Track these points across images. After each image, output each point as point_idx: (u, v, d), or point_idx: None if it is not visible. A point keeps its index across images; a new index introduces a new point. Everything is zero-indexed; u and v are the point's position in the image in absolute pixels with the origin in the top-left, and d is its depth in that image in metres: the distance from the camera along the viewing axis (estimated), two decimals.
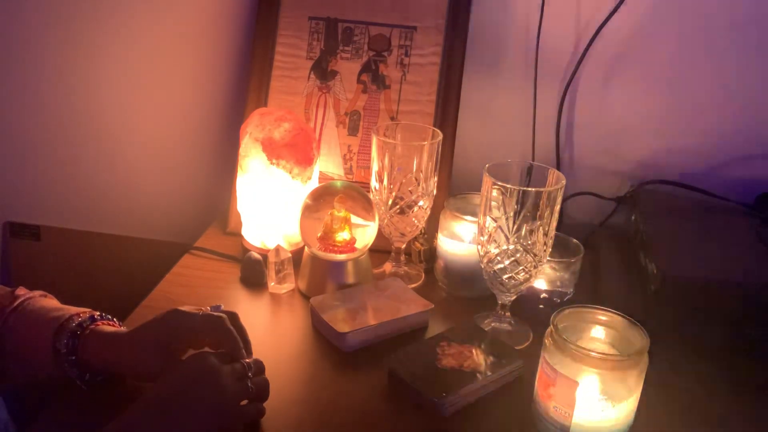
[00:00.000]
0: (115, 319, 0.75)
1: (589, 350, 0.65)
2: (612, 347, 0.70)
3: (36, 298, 0.74)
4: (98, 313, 0.73)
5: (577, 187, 1.09)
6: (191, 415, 0.64)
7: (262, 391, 0.71)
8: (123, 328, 0.74)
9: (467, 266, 0.91)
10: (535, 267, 0.79)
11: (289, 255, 0.93)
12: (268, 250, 0.94)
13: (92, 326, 0.71)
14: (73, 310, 0.73)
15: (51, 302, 0.75)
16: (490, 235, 0.78)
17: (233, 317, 0.73)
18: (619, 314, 0.71)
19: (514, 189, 0.74)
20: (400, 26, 1.06)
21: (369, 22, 1.07)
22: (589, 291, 0.92)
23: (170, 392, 0.65)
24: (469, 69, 1.07)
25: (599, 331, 0.71)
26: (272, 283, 0.93)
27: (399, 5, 1.06)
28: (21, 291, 0.74)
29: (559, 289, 0.88)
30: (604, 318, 0.71)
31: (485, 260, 0.81)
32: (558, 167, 1.11)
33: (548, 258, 0.81)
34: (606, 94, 1.08)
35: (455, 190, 1.03)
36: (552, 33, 1.05)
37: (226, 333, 0.70)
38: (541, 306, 0.88)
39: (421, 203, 0.92)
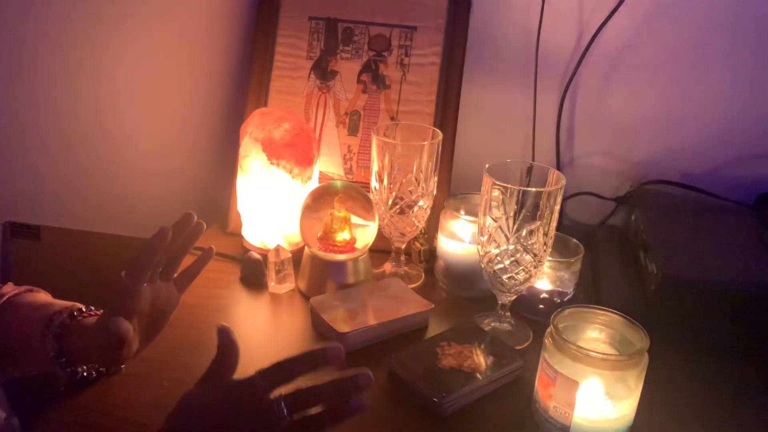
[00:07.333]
0: (100, 311, 0.73)
1: (589, 350, 0.65)
2: (612, 347, 0.70)
3: (21, 294, 0.73)
4: (82, 306, 0.72)
5: (577, 187, 1.09)
6: None
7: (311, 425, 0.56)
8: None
9: (467, 266, 0.91)
10: (535, 267, 0.79)
11: (289, 255, 0.93)
12: (268, 250, 0.94)
13: (77, 319, 0.70)
14: (58, 305, 0.71)
15: (37, 297, 0.73)
16: (490, 235, 0.78)
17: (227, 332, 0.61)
18: (619, 314, 0.71)
19: (514, 189, 0.74)
20: (400, 26, 1.06)
21: (369, 22, 1.07)
22: (589, 291, 0.92)
23: None
24: (469, 69, 1.07)
25: (599, 331, 0.71)
26: (272, 283, 0.93)
27: (399, 5, 1.06)
28: (7, 288, 0.73)
29: (559, 289, 0.88)
30: (604, 318, 0.71)
31: (485, 260, 0.81)
32: (558, 167, 1.11)
33: (548, 258, 0.81)
34: (606, 94, 1.08)
35: (455, 190, 1.03)
36: (552, 33, 1.05)
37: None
38: (541, 306, 0.88)
39: (421, 203, 0.92)
